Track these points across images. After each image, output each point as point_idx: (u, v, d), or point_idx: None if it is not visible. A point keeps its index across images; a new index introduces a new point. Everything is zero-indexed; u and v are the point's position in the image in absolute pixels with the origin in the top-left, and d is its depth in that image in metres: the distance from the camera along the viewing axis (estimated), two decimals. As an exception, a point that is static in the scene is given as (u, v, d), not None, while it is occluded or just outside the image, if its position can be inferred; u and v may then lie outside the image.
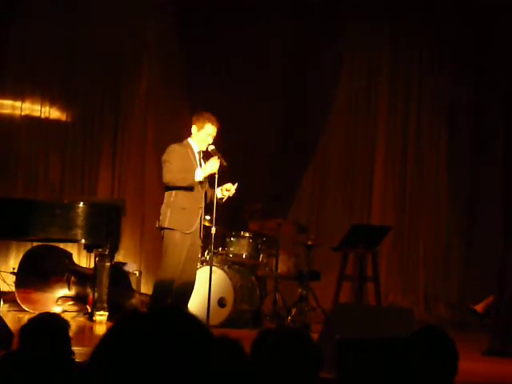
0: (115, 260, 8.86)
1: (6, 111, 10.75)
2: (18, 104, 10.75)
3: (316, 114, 11.12)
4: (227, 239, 8.93)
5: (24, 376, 3.15)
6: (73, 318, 8.52)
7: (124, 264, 9.60)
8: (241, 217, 9.52)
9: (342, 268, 9.44)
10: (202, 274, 7.80)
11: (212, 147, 7.16)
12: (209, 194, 7.23)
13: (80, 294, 9.10)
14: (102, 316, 8.24)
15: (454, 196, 11.03)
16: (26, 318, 7.44)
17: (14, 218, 8.08)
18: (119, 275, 9.00)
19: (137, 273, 9.49)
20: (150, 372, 1.58)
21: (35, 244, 9.41)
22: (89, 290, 8.90)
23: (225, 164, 7.09)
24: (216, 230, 7.32)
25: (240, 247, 8.94)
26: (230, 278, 8.49)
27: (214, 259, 8.29)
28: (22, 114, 10.76)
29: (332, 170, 11.19)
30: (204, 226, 7.34)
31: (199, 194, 7.13)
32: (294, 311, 8.66)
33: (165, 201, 7.11)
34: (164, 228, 7.03)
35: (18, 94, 10.76)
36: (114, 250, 8.55)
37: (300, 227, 9.59)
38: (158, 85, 11.07)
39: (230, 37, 10.63)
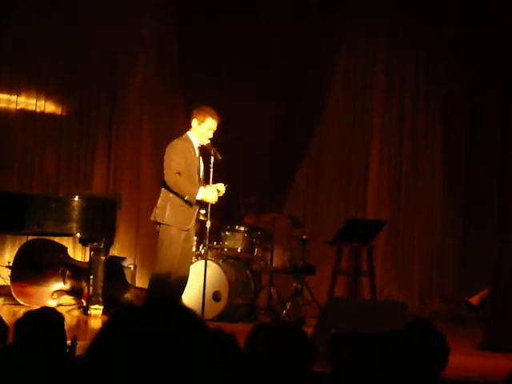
0: (110, 254, 8.85)
1: (2, 105, 10.74)
2: (13, 98, 10.74)
3: (315, 112, 11.12)
4: (222, 233, 8.93)
5: (19, 369, 3.16)
6: (68, 311, 8.53)
7: (119, 258, 9.60)
8: (236, 211, 9.52)
9: (336, 262, 9.44)
10: (196, 268, 7.80)
11: (207, 141, 7.14)
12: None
13: (75, 287, 9.09)
14: (97, 310, 8.23)
15: (449, 191, 11.04)
16: (21, 311, 7.46)
17: (9, 211, 8.06)
18: (114, 269, 8.99)
19: (132, 267, 9.48)
20: (145, 365, 1.58)
21: (30, 238, 9.39)
22: (84, 284, 8.89)
23: (219, 158, 7.09)
24: (211, 224, 7.32)
25: (235, 241, 8.94)
26: (225, 272, 8.49)
27: (209, 253, 8.30)
28: (18, 107, 10.76)
29: (327, 164, 11.19)
30: (199, 220, 7.33)
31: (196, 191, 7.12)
32: (288, 305, 8.65)
33: (163, 196, 7.03)
34: (161, 223, 7.00)
35: (14, 88, 10.75)
36: (109, 243, 8.53)
37: (295, 221, 9.59)
38: (153, 79, 11.06)
39: (230, 37, 10.61)
